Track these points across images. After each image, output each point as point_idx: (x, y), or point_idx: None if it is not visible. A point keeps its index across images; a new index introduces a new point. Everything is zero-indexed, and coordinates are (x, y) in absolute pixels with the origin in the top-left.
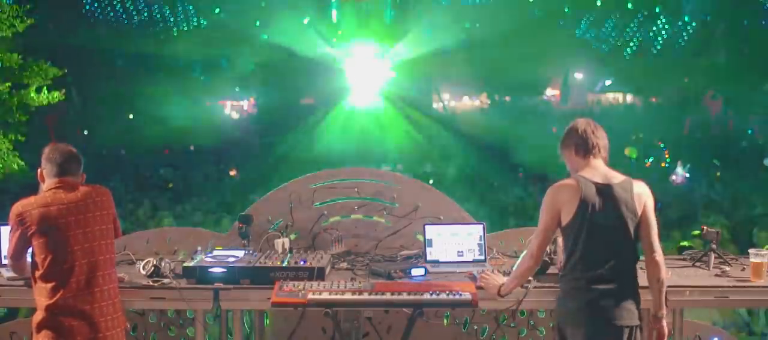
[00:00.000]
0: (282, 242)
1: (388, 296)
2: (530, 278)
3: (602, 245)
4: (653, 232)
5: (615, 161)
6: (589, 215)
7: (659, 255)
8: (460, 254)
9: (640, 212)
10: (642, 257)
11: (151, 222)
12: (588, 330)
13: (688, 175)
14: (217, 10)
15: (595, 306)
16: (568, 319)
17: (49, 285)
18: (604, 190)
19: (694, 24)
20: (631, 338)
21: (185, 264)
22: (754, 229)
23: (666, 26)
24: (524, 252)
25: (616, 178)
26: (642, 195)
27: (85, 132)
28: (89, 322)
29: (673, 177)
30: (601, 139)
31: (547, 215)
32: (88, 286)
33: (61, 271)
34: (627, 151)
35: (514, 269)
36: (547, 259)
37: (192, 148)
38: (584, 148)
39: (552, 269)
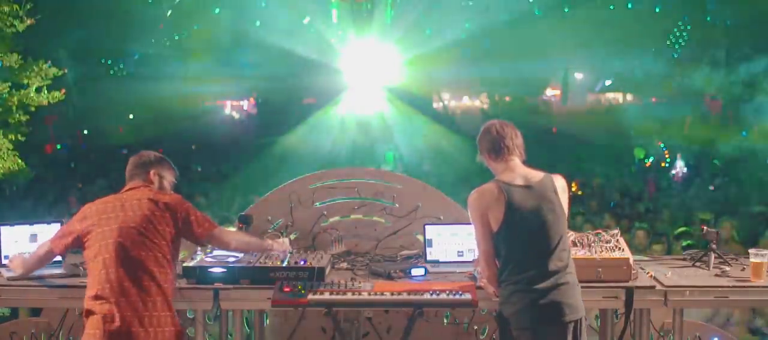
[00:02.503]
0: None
1: (388, 296)
2: None
3: (535, 246)
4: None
5: (616, 161)
6: (517, 220)
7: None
8: (460, 254)
9: (565, 206)
10: None
11: None
12: (533, 332)
13: (685, 170)
14: (217, 11)
15: (538, 307)
16: (513, 322)
17: (89, 276)
18: (527, 191)
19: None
20: (576, 330)
21: (185, 264)
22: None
23: (666, 26)
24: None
25: (536, 176)
26: (565, 188)
27: (85, 132)
28: (118, 317)
29: (674, 172)
30: (513, 138)
31: (477, 222)
32: (120, 282)
33: (95, 263)
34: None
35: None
36: None
37: (193, 147)
38: (497, 150)
39: None
